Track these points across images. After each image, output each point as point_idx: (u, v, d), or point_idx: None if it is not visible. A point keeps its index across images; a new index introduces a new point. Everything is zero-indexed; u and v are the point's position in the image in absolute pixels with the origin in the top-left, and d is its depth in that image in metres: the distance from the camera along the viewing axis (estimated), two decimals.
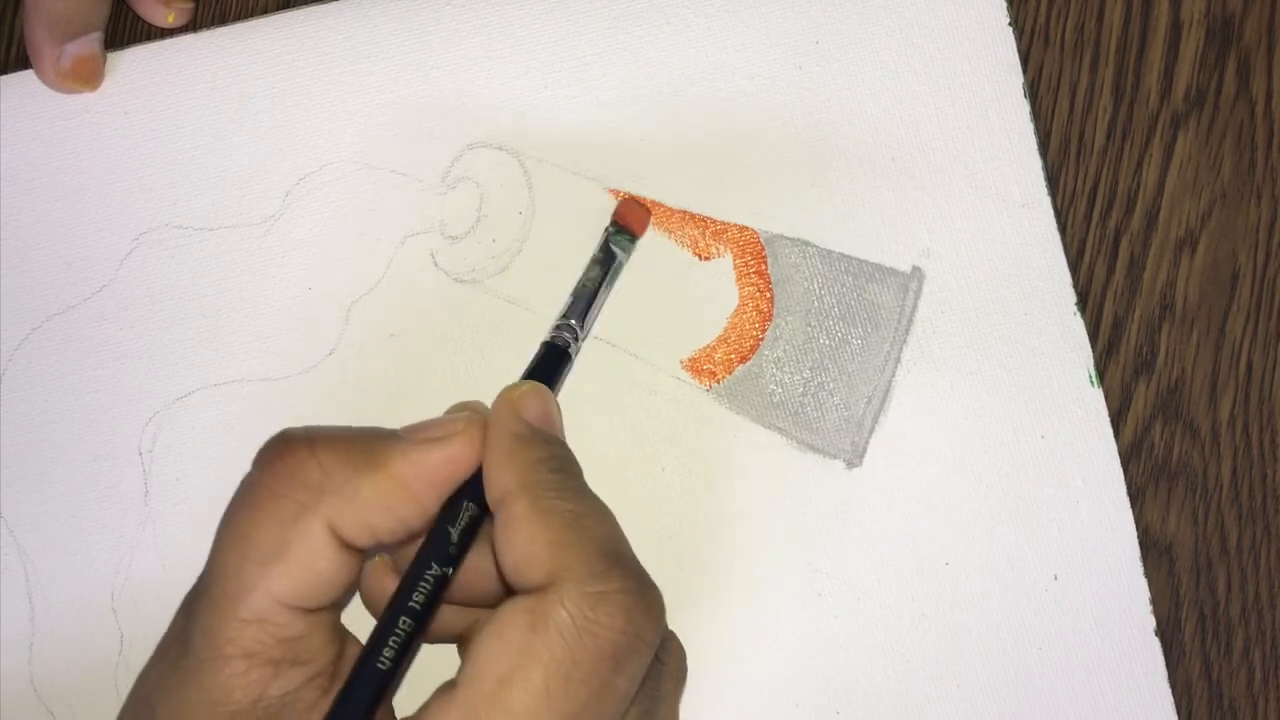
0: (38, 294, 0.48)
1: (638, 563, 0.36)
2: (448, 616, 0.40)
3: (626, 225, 0.46)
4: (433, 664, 0.40)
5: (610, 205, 0.47)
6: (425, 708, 0.34)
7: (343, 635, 0.38)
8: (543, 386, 0.39)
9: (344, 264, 0.48)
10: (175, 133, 0.49)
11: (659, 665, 0.37)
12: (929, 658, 0.46)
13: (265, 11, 0.50)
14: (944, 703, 0.46)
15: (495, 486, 0.37)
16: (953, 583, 0.46)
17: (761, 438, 0.47)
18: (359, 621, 0.39)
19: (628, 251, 0.46)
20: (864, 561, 0.46)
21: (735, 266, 0.48)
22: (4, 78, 0.49)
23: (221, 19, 0.51)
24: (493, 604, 0.37)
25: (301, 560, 0.35)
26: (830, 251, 0.48)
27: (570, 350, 0.42)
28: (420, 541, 0.37)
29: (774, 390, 0.47)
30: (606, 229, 0.46)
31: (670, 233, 0.48)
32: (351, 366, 0.48)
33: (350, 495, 0.36)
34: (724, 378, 0.47)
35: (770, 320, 0.47)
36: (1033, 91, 0.49)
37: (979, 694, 0.46)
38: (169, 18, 0.50)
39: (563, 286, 0.46)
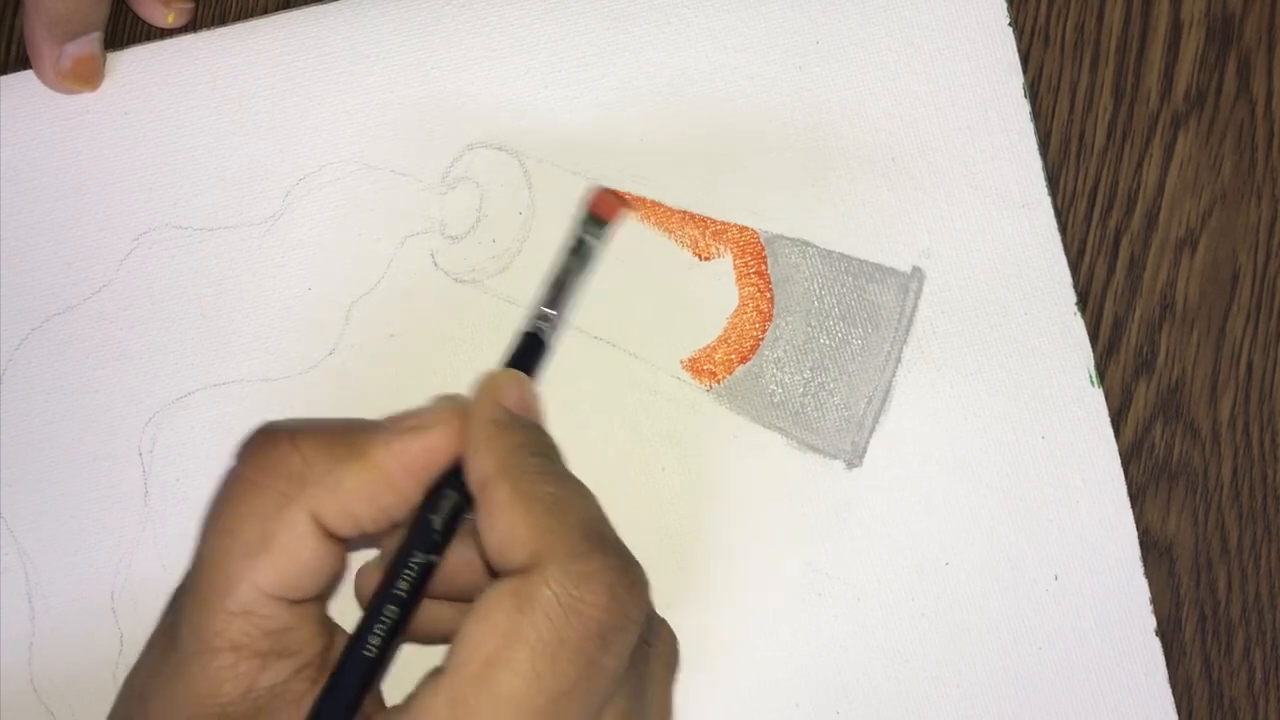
0: (38, 294, 0.48)
1: (620, 542, 0.36)
2: (442, 615, 0.40)
3: (598, 214, 0.46)
4: (425, 652, 0.40)
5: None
6: (413, 694, 0.34)
7: (330, 627, 0.38)
8: (521, 374, 0.40)
9: (344, 264, 0.48)
10: (175, 133, 0.49)
11: (646, 647, 0.37)
12: (929, 658, 0.46)
13: (265, 11, 0.50)
14: (944, 703, 0.46)
15: (476, 473, 0.37)
16: (953, 583, 0.46)
17: (761, 438, 0.47)
18: (351, 619, 0.38)
19: (601, 239, 0.45)
20: (864, 561, 0.46)
21: (735, 266, 0.48)
22: (4, 78, 0.49)
23: (221, 19, 0.51)
24: None
25: (286, 551, 0.36)
26: (830, 251, 0.48)
27: (547, 339, 0.42)
28: (404, 531, 0.38)
29: (774, 390, 0.47)
30: (579, 218, 0.46)
31: (670, 233, 0.48)
32: (351, 366, 0.48)
33: (332, 485, 0.36)
34: (724, 378, 0.47)
35: (770, 320, 0.47)
36: (1033, 91, 0.49)
37: (979, 694, 0.46)
38: (169, 18, 0.50)
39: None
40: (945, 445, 0.47)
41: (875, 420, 0.47)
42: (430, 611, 0.39)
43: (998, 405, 0.47)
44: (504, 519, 0.35)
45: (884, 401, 0.47)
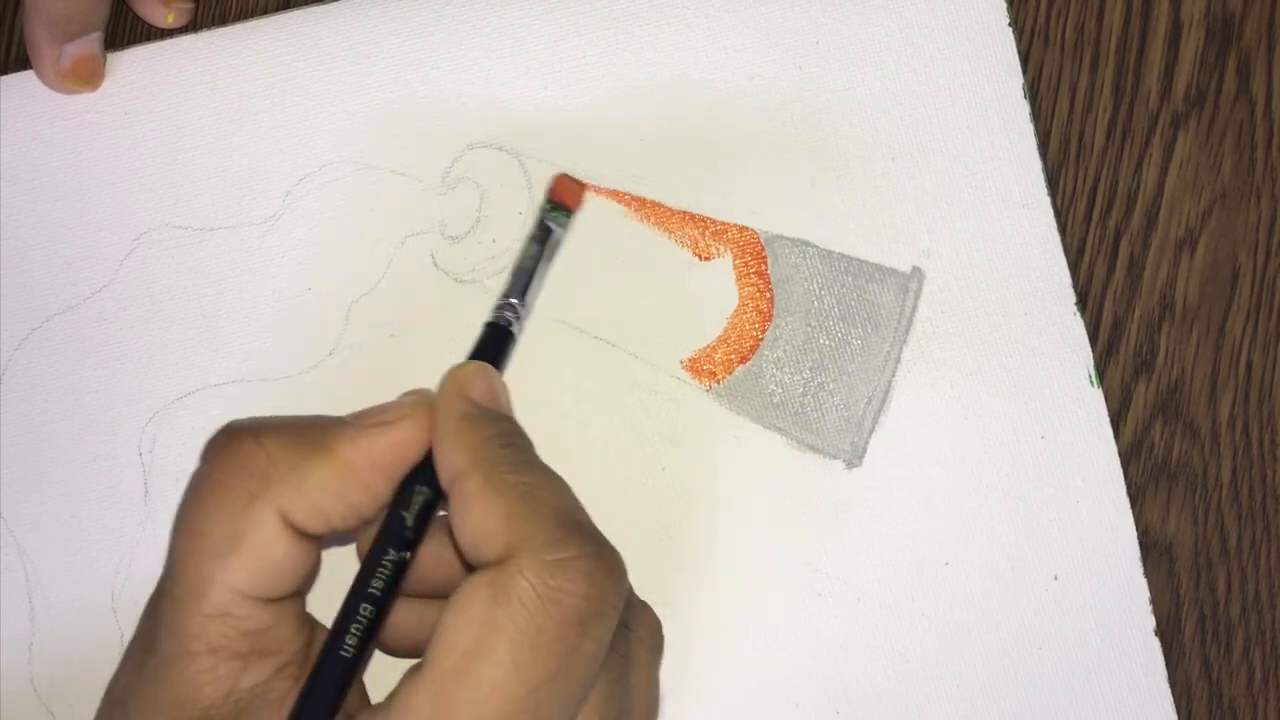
0: (38, 294, 0.48)
1: (595, 528, 0.36)
2: (418, 613, 0.40)
3: (561, 201, 0.45)
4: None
5: (610, 206, 0.47)
6: (395, 691, 0.34)
7: (310, 624, 0.38)
8: (487, 365, 0.39)
9: (344, 264, 0.48)
10: (175, 133, 0.49)
11: (627, 631, 0.37)
12: (929, 658, 0.46)
13: (265, 11, 0.50)
14: (944, 703, 0.46)
15: (447, 467, 0.36)
16: (953, 583, 0.46)
17: (761, 438, 0.47)
18: (330, 612, 0.38)
19: (564, 227, 0.45)
20: (864, 561, 0.46)
21: (735, 266, 0.48)
22: (4, 78, 0.49)
23: (221, 19, 0.51)
24: None
25: (256, 550, 0.35)
26: (830, 251, 0.48)
27: (513, 329, 0.42)
28: (376, 528, 0.37)
29: (774, 390, 0.47)
30: (541, 205, 0.45)
31: (670, 233, 0.48)
32: (351, 366, 0.48)
33: (298, 482, 0.36)
34: (724, 378, 0.47)
35: (770, 320, 0.47)
36: (1033, 91, 0.49)
37: (979, 694, 0.46)
38: (169, 18, 0.50)
39: (563, 286, 0.46)
40: (945, 445, 0.47)
41: (875, 420, 0.47)
42: (406, 610, 0.39)
43: (998, 405, 0.47)
44: (476, 512, 0.35)
45: (884, 401, 0.47)
